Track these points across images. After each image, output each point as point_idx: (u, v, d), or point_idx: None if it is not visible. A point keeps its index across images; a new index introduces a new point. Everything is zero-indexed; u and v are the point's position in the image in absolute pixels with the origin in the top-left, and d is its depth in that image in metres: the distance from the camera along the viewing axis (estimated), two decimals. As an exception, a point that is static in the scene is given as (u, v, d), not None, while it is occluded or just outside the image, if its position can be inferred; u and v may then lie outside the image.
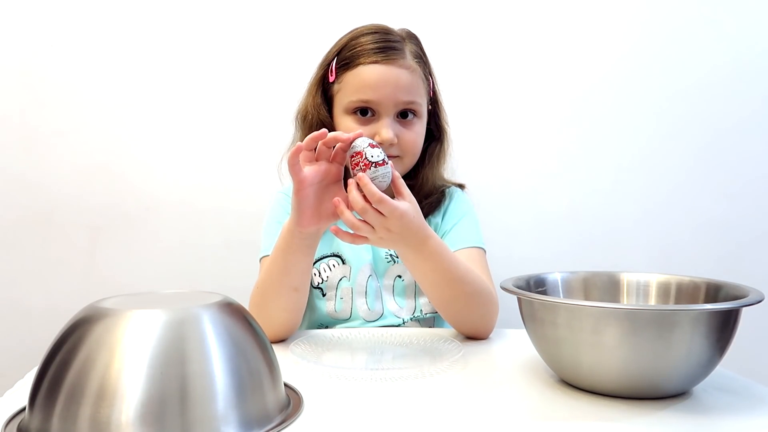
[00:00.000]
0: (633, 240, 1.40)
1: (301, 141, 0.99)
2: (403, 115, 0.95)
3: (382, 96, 0.93)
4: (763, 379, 0.71)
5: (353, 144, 0.75)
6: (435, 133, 1.03)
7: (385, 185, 0.74)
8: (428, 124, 1.01)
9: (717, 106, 1.40)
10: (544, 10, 1.37)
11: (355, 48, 0.95)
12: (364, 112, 0.94)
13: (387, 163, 0.74)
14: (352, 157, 0.74)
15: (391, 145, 0.93)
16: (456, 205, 1.03)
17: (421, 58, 0.99)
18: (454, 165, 1.08)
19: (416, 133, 0.97)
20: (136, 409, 0.47)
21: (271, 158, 1.12)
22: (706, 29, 1.39)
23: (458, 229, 0.99)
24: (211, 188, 1.35)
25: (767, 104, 1.40)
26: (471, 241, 0.98)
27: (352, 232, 0.76)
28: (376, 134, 0.93)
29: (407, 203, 0.75)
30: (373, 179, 0.72)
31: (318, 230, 0.81)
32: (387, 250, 1.00)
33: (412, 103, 0.95)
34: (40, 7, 1.29)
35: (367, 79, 0.93)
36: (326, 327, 1.00)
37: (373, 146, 0.74)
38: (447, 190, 1.05)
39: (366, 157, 0.73)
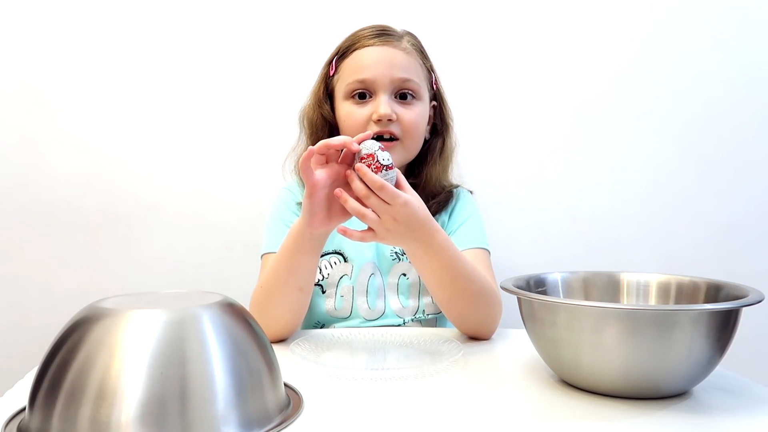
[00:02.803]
0: (633, 240, 1.40)
1: (306, 142, 1.01)
2: (402, 96, 0.96)
3: (377, 73, 0.94)
4: (763, 379, 0.71)
5: (363, 145, 0.75)
6: (439, 128, 1.04)
7: None
8: (433, 119, 1.03)
9: (717, 106, 1.40)
10: (546, 15, 1.37)
11: (352, 39, 0.98)
12: (362, 95, 0.95)
13: (394, 168, 0.75)
14: (363, 159, 0.74)
15: (390, 121, 0.93)
16: (463, 205, 1.03)
17: (421, 50, 1.00)
18: (462, 171, 1.08)
19: (416, 113, 0.96)
20: (136, 409, 0.47)
21: (271, 159, 1.12)
22: (709, 33, 1.39)
23: (464, 229, 0.99)
24: (211, 188, 1.35)
25: (767, 105, 1.41)
26: (476, 242, 0.97)
27: (358, 232, 0.76)
28: (374, 112, 0.93)
29: (410, 195, 0.76)
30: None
31: (327, 231, 0.81)
32: (392, 248, 1.00)
33: (408, 81, 0.95)
34: (40, 9, 1.29)
35: (362, 60, 0.95)
36: (324, 325, 1.00)
37: (383, 149, 0.75)
38: (455, 190, 1.05)
39: (378, 160, 0.73)
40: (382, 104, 0.93)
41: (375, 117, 0.93)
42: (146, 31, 1.32)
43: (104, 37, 1.31)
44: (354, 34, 0.99)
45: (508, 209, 1.38)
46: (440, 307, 0.89)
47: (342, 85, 0.97)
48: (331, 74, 1.00)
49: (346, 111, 0.96)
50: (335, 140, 0.75)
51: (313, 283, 0.88)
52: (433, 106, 1.03)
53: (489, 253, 0.99)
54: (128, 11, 1.31)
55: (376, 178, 0.72)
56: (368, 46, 0.96)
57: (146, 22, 1.32)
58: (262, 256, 0.97)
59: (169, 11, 1.32)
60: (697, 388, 0.65)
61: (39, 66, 1.30)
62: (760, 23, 1.39)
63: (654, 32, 1.38)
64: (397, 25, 1.02)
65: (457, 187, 1.06)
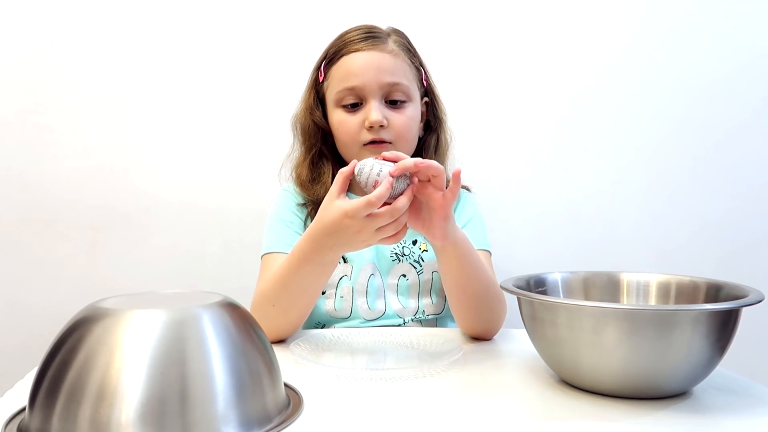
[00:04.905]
0: (633, 240, 1.40)
1: (300, 148, 1.02)
2: (392, 102, 0.96)
3: (365, 80, 0.94)
4: (763, 379, 0.71)
5: (369, 166, 0.72)
6: (432, 124, 1.04)
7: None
8: (426, 115, 1.03)
9: (717, 106, 1.40)
10: (542, 10, 1.37)
11: (339, 44, 0.98)
12: (354, 105, 0.95)
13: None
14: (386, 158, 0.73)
15: (381, 127, 0.94)
16: (464, 206, 1.03)
17: (408, 49, 1.00)
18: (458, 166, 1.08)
19: (407, 116, 0.96)
20: (136, 409, 0.47)
21: (271, 158, 1.12)
22: (706, 29, 1.39)
23: (467, 231, 0.98)
24: (211, 188, 1.35)
25: (767, 104, 1.41)
26: (479, 243, 0.97)
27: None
28: (366, 119, 0.93)
29: None
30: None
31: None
32: (392, 248, 1.00)
33: (397, 84, 0.95)
34: (40, 6, 1.29)
35: (350, 66, 0.95)
36: (324, 325, 1.00)
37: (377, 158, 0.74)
38: None
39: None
40: (373, 111, 0.93)
41: (366, 124, 0.94)
42: (147, 31, 1.32)
43: (105, 35, 1.31)
44: (340, 38, 0.99)
45: (508, 207, 1.38)
46: (457, 305, 0.86)
47: (332, 92, 0.97)
48: (320, 80, 1.00)
49: (338, 119, 0.97)
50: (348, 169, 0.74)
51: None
52: (425, 103, 1.03)
53: (491, 254, 0.99)
54: (130, 11, 1.31)
55: (434, 162, 0.72)
56: (355, 51, 0.95)
57: (147, 21, 1.32)
58: (262, 257, 0.97)
59: (170, 9, 1.32)
60: (697, 388, 0.65)
61: (39, 64, 1.30)
62: (758, 17, 1.39)
63: (652, 28, 1.38)
64: (389, 21, 1.02)
65: None
